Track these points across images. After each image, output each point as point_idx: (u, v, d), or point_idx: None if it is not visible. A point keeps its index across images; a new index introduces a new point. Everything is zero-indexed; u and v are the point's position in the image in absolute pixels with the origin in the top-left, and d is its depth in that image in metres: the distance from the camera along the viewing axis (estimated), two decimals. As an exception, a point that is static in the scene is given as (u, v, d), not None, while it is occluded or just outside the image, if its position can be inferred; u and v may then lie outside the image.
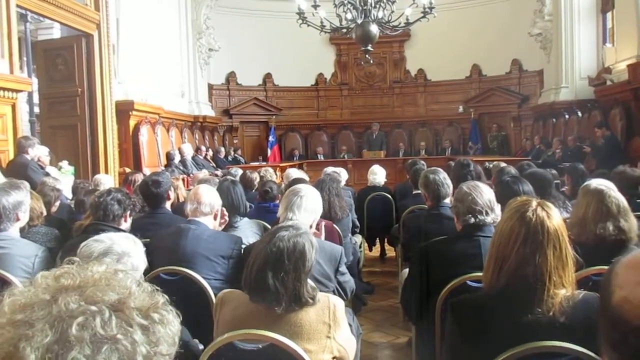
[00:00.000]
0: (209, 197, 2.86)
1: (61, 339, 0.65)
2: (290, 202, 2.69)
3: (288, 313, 1.75)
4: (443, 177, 3.48)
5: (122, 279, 0.77)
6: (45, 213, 3.44)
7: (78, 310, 0.68)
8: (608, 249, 2.12)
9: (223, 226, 3.06)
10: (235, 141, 13.31)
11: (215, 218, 2.90)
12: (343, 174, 5.67)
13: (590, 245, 2.25)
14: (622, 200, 2.36)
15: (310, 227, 2.71)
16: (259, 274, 1.75)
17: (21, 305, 0.70)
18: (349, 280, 2.73)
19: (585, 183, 2.61)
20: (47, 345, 0.64)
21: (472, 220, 2.40)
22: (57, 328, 0.66)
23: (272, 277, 1.73)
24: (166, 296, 0.79)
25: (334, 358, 1.80)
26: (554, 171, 4.95)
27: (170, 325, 0.75)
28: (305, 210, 2.67)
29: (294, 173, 5.36)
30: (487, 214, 2.40)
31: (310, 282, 1.84)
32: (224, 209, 3.00)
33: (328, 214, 3.84)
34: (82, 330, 0.66)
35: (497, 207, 2.45)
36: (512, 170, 4.69)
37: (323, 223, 2.91)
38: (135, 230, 2.87)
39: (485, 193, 2.45)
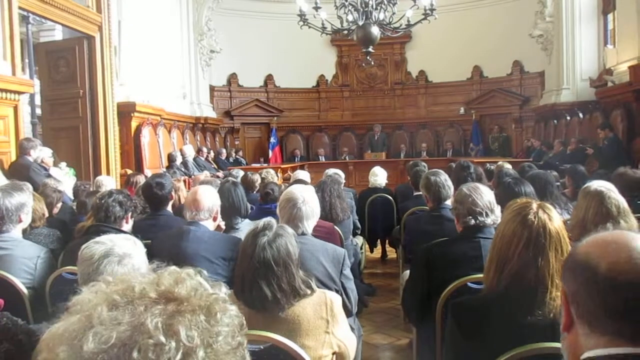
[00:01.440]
0: (207, 202, 2.83)
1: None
2: (291, 215, 2.60)
3: (286, 310, 1.76)
4: (444, 178, 3.47)
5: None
6: (47, 214, 3.45)
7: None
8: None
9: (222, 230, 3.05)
10: (236, 142, 13.33)
11: (215, 220, 2.90)
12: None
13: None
14: (622, 202, 2.36)
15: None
16: (253, 288, 1.74)
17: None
18: (353, 290, 2.69)
19: (586, 185, 2.61)
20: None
21: (472, 221, 2.40)
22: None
23: (267, 287, 1.72)
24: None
25: (334, 353, 1.81)
26: (555, 173, 4.95)
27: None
28: (307, 218, 2.61)
29: (301, 175, 5.39)
30: (487, 215, 2.40)
31: (301, 272, 1.83)
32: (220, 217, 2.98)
33: (329, 216, 3.85)
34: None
35: (497, 209, 2.45)
36: (511, 170, 4.71)
37: None
38: (136, 231, 2.88)
39: (485, 194, 2.45)
